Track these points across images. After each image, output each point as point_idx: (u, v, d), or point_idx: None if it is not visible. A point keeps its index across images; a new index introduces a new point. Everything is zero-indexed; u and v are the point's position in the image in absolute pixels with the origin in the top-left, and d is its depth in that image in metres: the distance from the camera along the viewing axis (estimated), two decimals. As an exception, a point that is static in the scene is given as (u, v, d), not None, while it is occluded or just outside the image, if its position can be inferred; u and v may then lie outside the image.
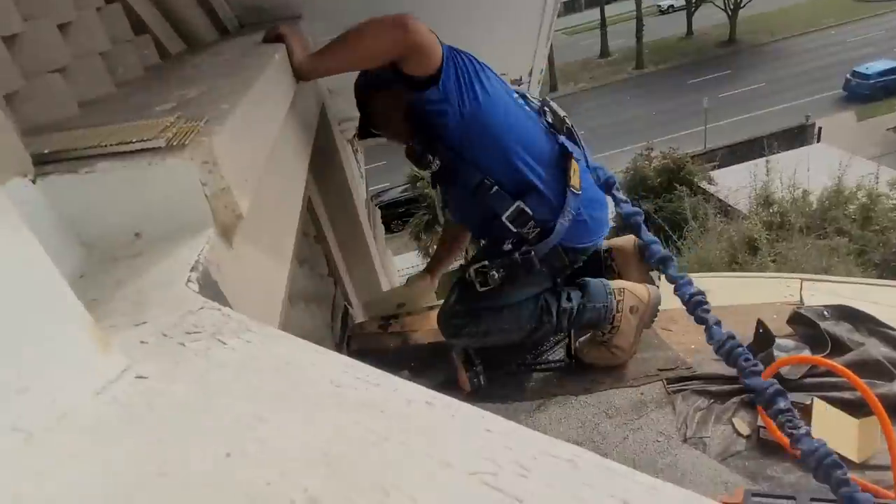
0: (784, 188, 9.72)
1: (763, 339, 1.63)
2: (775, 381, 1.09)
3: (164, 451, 0.33)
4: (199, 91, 0.95)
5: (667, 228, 10.60)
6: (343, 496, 0.29)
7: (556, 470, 0.32)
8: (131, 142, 0.67)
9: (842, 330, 1.66)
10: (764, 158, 10.46)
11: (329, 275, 2.28)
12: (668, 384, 1.64)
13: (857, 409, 1.42)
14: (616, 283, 1.70)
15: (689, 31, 26.74)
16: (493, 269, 1.53)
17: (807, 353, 1.62)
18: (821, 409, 1.45)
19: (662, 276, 1.77)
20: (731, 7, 24.62)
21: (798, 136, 16.11)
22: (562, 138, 1.55)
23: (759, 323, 1.64)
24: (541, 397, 1.69)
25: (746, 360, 1.13)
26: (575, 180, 1.52)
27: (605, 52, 26.92)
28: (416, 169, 1.84)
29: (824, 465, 0.94)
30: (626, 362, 1.72)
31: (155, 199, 0.69)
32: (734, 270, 8.15)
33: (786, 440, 1.39)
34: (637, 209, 1.39)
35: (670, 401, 1.59)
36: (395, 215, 14.48)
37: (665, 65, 24.78)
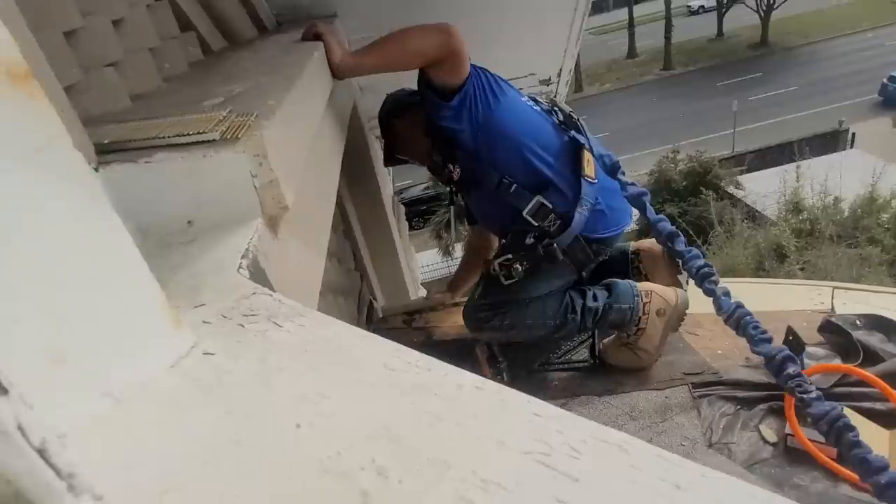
0: (815, 195, 9.50)
1: (793, 346, 1.61)
2: (785, 347, 1.09)
3: (237, 422, 0.35)
4: (244, 87, 0.99)
5: (691, 233, 10.45)
6: (408, 467, 0.31)
7: (607, 453, 0.33)
8: (188, 134, 0.70)
9: (874, 340, 1.64)
10: (794, 164, 10.24)
11: (355, 269, 2.32)
12: (693, 388, 1.63)
13: (889, 419, 1.40)
14: (644, 286, 1.70)
15: (720, 33, 26.26)
16: (517, 261, 1.57)
17: (838, 362, 1.60)
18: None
19: (691, 281, 1.79)
20: (764, 8, 24.09)
21: (831, 141, 15.71)
22: (572, 132, 1.60)
23: (789, 330, 1.63)
24: (564, 397, 1.70)
25: (755, 328, 1.15)
26: (589, 170, 1.57)
27: (632, 52, 26.60)
28: (440, 192, 1.94)
29: (836, 427, 0.94)
30: (651, 365, 1.72)
31: (208, 188, 0.72)
32: (761, 277, 8.01)
33: (814, 448, 1.37)
34: (643, 190, 1.47)
35: (695, 405, 1.59)
36: (416, 213, 14.54)
37: (694, 66, 24.37)
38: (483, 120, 1.53)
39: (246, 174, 0.71)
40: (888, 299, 2.00)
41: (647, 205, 1.46)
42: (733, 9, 25.52)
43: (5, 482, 0.25)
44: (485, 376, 1.53)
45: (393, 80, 1.87)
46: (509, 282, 1.59)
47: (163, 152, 0.71)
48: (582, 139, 1.59)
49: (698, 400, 1.60)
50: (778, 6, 24.00)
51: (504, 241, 1.66)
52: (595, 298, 1.67)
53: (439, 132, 1.58)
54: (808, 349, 1.64)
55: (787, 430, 1.45)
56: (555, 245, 1.55)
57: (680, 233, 1.40)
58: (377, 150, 2.51)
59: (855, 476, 1.31)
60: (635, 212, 1.64)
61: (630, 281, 1.72)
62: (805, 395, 1.05)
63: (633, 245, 1.90)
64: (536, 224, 1.55)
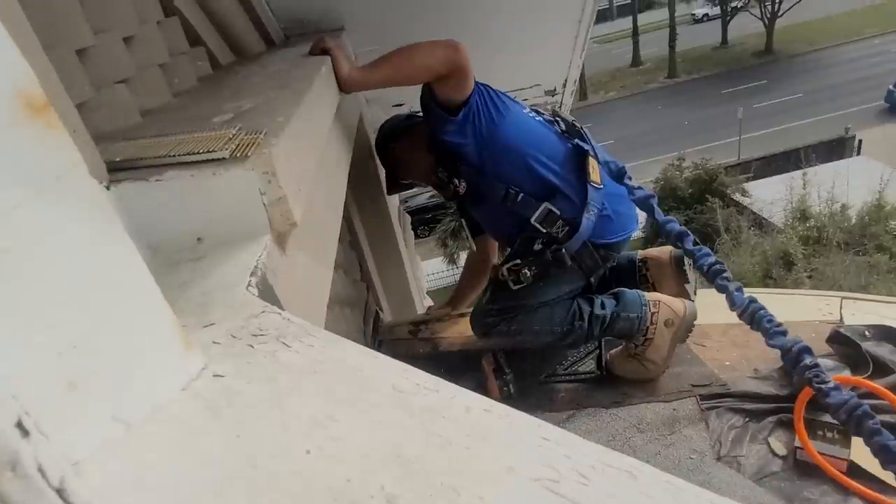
0: (822, 202, 9.47)
1: (801, 357, 1.60)
2: (800, 338, 1.09)
3: (248, 447, 0.36)
4: (253, 103, 1.00)
5: (697, 240, 10.39)
6: (418, 494, 0.31)
7: (616, 480, 0.33)
8: (198, 152, 0.71)
9: (884, 351, 1.62)
10: (801, 171, 10.22)
11: (362, 280, 2.32)
12: (701, 400, 1.62)
13: (899, 432, 1.38)
14: (652, 296, 1.70)
15: (724, 41, 26.29)
16: (526, 266, 1.58)
17: (847, 374, 1.59)
18: (861, 431, 1.41)
19: (699, 292, 1.78)
20: (768, 16, 24.11)
21: (837, 148, 15.66)
22: (575, 140, 1.62)
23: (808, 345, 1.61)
24: (570, 409, 1.69)
25: (769, 321, 1.15)
26: (595, 176, 1.59)
27: (636, 60, 26.66)
28: (444, 199, 1.97)
29: (855, 415, 0.93)
30: (659, 377, 1.71)
31: (217, 206, 0.73)
32: (768, 285, 7.97)
33: (824, 461, 1.36)
34: (650, 193, 1.49)
35: (703, 418, 1.58)
36: (421, 221, 14.55)
37: (698, 74, 24.40)
38: (487, 133, 1.55)
39: (255, 192, 0.72)
40: (897, 309, 1.98)
41: (655, 207, 1.47)
42: (737, 17, 25.55)
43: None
44: (491, 388, 1.54)
45: (399, 92, 1.88)
46: (518, 287, 1.60)
47: (173, 170, 0.72)
48: (586, 146, 1.61)
49: (706, 412, 1.59)
50: (782, 14, 24.01)
51: (512, 247, 1.68)
52: (603, 306, 1.67)
53: (443, 147, 1.60)
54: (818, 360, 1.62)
55: (797, 442, 1.44)
56: (563, 250, 1.56)
57: (689, 232, 1.41)
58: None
59: (866, 489, 1.29)
60: (642, 218, 1.65)
61: (639, 291, 1.72)
62: (823, 386, 1.04)
63: (640, 253, 1.90)
64: (545, 230, 1.57)
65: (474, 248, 1.98)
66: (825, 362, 1.65)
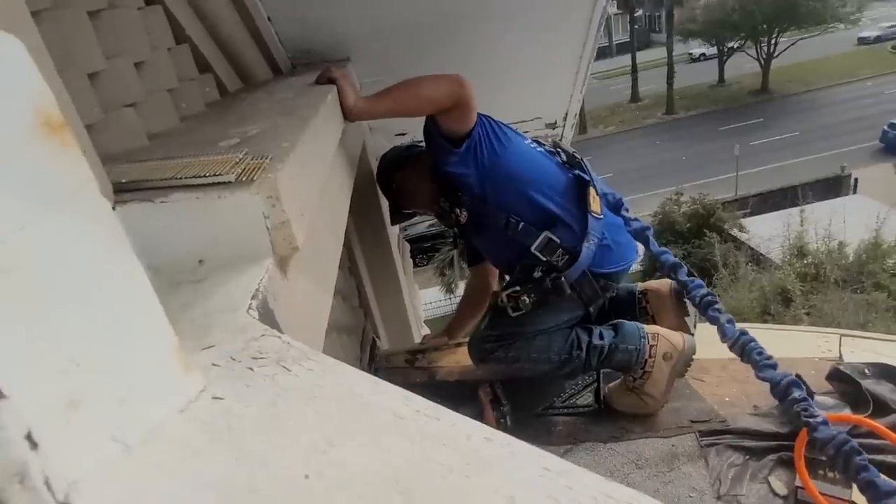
0: (819, 239, 9.52)
1: (801, 394, 1.59)
2: (790, 372, 1.08)
3: (246, 471, 0.35)
4: (259, 128, 1.01)
5: (695, 275, 10.40)
6: (418, 523, 0.31)
7: (618, 511, 0.33)
8: (205, 175, 0.72)
9: (884, 389, 1.61)
10: (798, 208, 10.31)
11: (360, 307, 2.31)
12: (700, 437, 1.60)
13: (901, 473, 1.36)
14: (651, 328, 1.69)
15: (721, 79, 26.86)
16: (525, 293, 1.59)
17: (847, 412, 1.57)
18: (863, 471, 1.39)
19: (698, 325, 1.78)
20: (764, 57, 24.71)
21: (833, 186, 15.83)
22: (576, 170, 1.65)
23: (797, 378, 1.60)
24: (568, 443, 1.67)
25: (759, 353, 1.15)
26: (595, 206, 1.61)
27: (635, 96, 27.18)
28: (445, 228, 1.99)
29: (843, 451, 0.92)
30: (657, 411, 1.69)
31: (221, 229, 0.73)
32: (766, 321, 7.94)
33: (825, 501, 1.34)
34: (646, 225, 1.52)
35: (703, 455, 1.55)
36: (420, 249, 14.57)
37: (696, 111, 24.85)
38: (489, 164, 1.58)
39: (259, 215, 0.73)
40: (897, 348, 1.98)
41: (651, 238, 1.50)
42: (734, 56, 26.17)
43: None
44: (487, 419, 1.53)
45: (402, 121, 1.91)
46: (517, 314, 1.60)
47: (179, 192, 0.72)
48: (586, 177, 1.63)
49: (706, 449, 1.56)
50: (778, 55, 24.61)
51: (512, 275, 1.68)
52: (601, 337, 1.66)
53: (446, 177, 1.63)
54: (817, 398, 1.61)
55: (798, 482, 1.42)
56: (563, 278, 1.57)
57: (683, 263, 1.42)
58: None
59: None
60: (641, 250, 1.66)
61: (638, 323, 1.71)
62: (811, 420, 1.03)
63: (640, 286, 1.90)
64: (545, 259, 1.58)
65: (468, 275, 1.98)
66: (826, 400, 1.63)
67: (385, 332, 2.58)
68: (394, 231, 2.81)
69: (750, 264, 9.87)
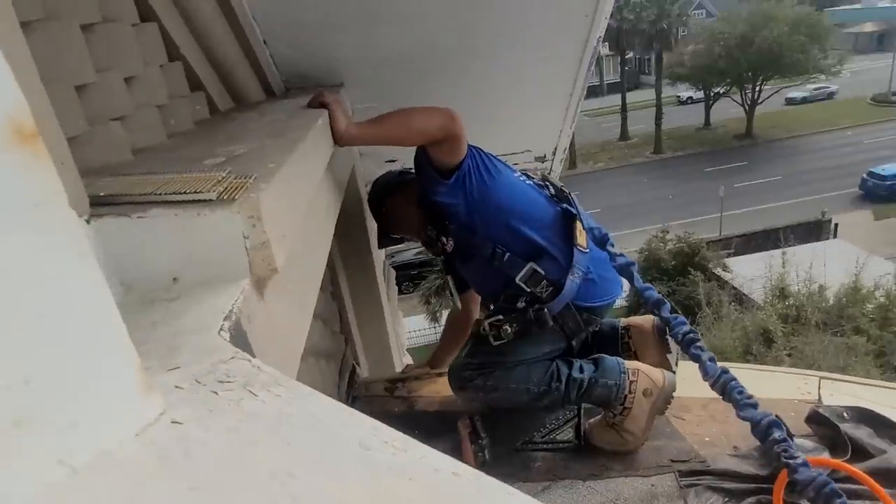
0: (800, 281, 9.65)
1: (780, 436, 1.58)
2: (770, 412, 1.09)
3: (200, 500, 0.33)
4: (247, 148, 1.01)
5: (679, 312, 10.46)
6: (375, 563, 0.29)
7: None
8: (185, 192, 0.71)
9: (862, 434, 1.61)
10: (780, 250, 10.48)
11: (341, 332, 2.28)
12: (680, 477, 1.58)
13: (879, 520, 1.35)
14: (631, 364, 1.69)
15: (707, 123, 27.59)
16: (507, 323, 1.59)
17: (826, 456, 1.57)
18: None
19: (680, 363, 1.78)
20: (749, 102, 25.48)
21: (814, 230, 16.18)
22: (564, 204, 1.66)
23: (777, 419, 1.60)
24: (547, 479, 1.63)
25: (740, 392, 1.17)
26: (581, 240, 1.62)
27: (625, 135, 27.79)
28: (432, 256, 2.00)
29: (823, 493, 0.91)
30: (637, 449, 1.67)
31: (198, 247, 0.72)
32: (748, 361, 7.97)
33: (804, 549, 1.32)
34: (631, 261, 1.56)
35: (682, 495, 1.53)
36: (406, 277, 14.53)
37: (682, 152, 25.47)
38: (478, 195, 1.59)
39: (238, 235, 0.72)
40: (876, 392, 1.98)
41: (635, 274, 1.53)
42: (720, 101, 26.96)
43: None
44: (465, 452, 1.50)
45: (392, 148, 1.93)
46: (498, 343, 1.60)
47: (157, 208, 0.71)
48: (574, 210, 1.64)
49: (685, 489, 1.54)
50: (762, 102, 25.40)
51: (496, 304, 1.68)
52: (581, 370, 1.65)
53: (434, 207, 1.63)
54: (797, 440, 1.60)
55: (777, 527, 1.40)
56: (545, 310, 1.57)
57: (666, 301, 1.46)
58: (372, 214, 2.54)
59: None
60: (627, 285, 1.67)
61: (619, 359, 1.71)
62: (791, 461, 1.04)
63: (623, 321, 1.90)
64: (529, 290, 1.58)
65: (458, 306, 1.97)
66: (805, 443, 1.63)
67: (366, 359, 2.54)
68: (379, 257, 2.80)
69: (733, 304, 9.96)
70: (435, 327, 12.87)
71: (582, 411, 1.76)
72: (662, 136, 25.93)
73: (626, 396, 1.63)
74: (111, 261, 0.72)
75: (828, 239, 15.55)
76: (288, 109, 1.47)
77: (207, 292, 0.71)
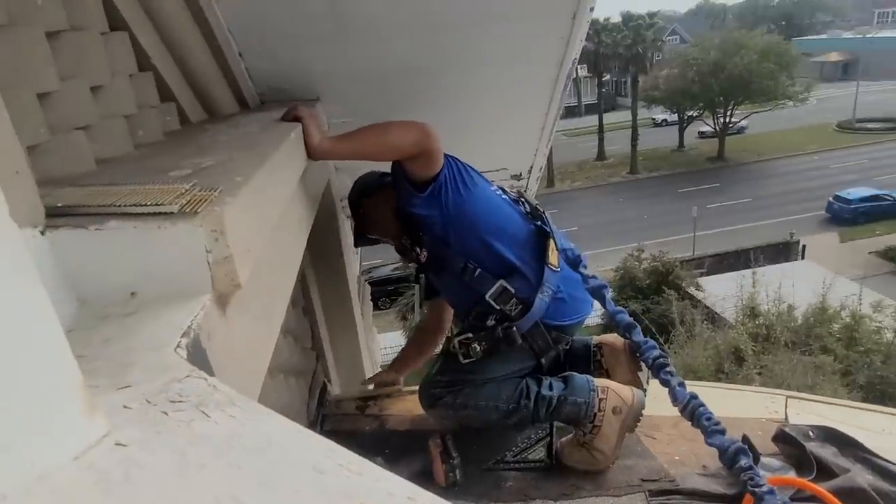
0: (770, 301, 9.87)
1: (748, 456, 1.60)
2: (737, 439, 1.11)
3: (135, 529, 0.32)
4: (215, 160, 0.99)
5: (654, 331, 10.61)
6: None
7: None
8: (146, 204, 0.69)
9: (827, 453, 1.63)
10: (750, 270, 10.70)
11: (312, 349, 2.24)
12: (650, 497, 1.58)
13: (843, 539, 1.37)
14: (601, 382, 1.69)
15: (681, 145, 28.31)
16: (477, 341, 1.59)
17: (793, 475, 1.58)
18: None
19: (651, 381, 1.79)
20: (721, 127, 26.26)
21: (783, 251, 16.61)
22: (538, 222, 1.67)
23: (744, 439, 1.62)
24: (518, 499, 1.62)
25: (708, 419, 1.20)
26: (553, 259, 1.63)
27: (601, 155, 28.34)
28: (405, 263, 1.98)
29: None
30: (608, 468, 1.67)
31: (158, 261, 0.70)
32: (720, 379, 8.08)
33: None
34: (604, 283, 1.58)
35: (652, 514, 1.53)
36: (383, 292, 14.45)
37: (657, 173, 26.08)
38: (453, 208, 1.58)
39: (200, 249, 0.70)
40: (841, 412, 2.02)
41: (607, 297, 1.55)
42: (693, 124, 27.71)
43: None
44: (436, 472, 1.47)
45: (369, 162, 1.92)
46: (467, 361, 1.60)
47: (115, 220, 0.69)
48: (547, 229, 1.65)
49: (655, 509, 1.54)
50: (733, 125, 26.19)
51: (466, 320, 1.68)
52: (550, 388, 1.66)
53: (409, 218, 1.63)
54: (763, 459, 1.62)
55: (744, 546, 1.40)
56: (514, 328, 1.57)
57: (637, 324, 1.48)
58: (347, 229, 2.53)
59: None
60: (598, 304, 1.68)
61: (588, 377, 1.71)
62: (757, 490, 1.05)
63: (595, 339, 1.91)
64: (498, 307, 1.58)
65: (424, 316, 1.96)
66: (772, 462, 1.65)
67: (338, 376, 2.50)
68: (353, 272, 2.78)
69: (705, 322, 10.12)
70: (411, 344, 12.76)
71: (554, 430, 1.76)
72: (638, 157, 26.53)
73: (595, 414, 1.63)
74: (66, 273, 0.70)
75: (796, 260, 15.98)
76: (261, 122, 1.46)
77: (166, 308, 0.69)
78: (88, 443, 0.39)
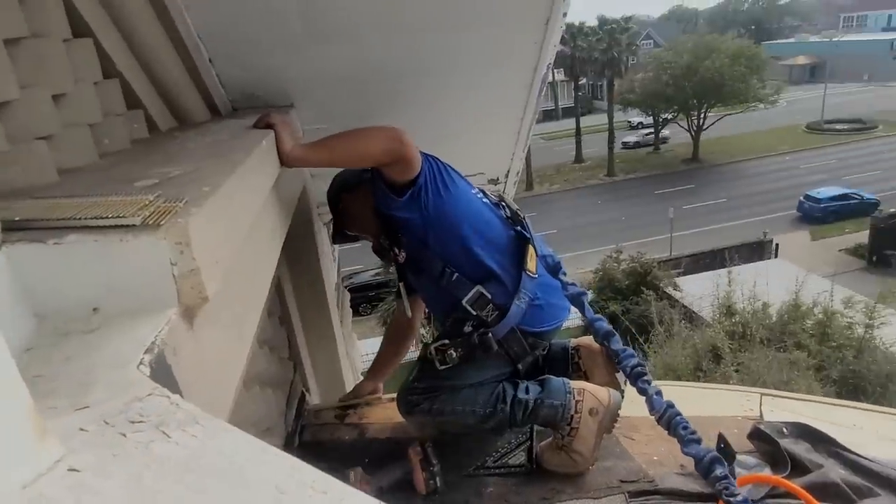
0: (745, 299, 10.05)
1: (724, 454, 1.62)
2: (713, 449, 1.13)
3: (84, 561, 0.30)
4: (182, 170, 0.97)
5: (634, 331, 10.74)
6: None
7: None
8: (107, 217, 0.67)
9: (800, 449, 1.66)
10: (726, 269, 10.90)
11: (290, 358, 2.21)
12: (629, 497, 1.59)
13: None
14: (576, 384, 1.70)
15: (657, 147, 28.75)
16: (453, 347, 1.58)
17: (767, 472, 1.61)
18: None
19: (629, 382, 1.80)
20: (695, 129, 26.77)
21: (757, 250, 16.97)
22: (518, 227, 1.67)
23: (721, 437, 1.64)
24: (499, 504, 1.62)
25: (685, 428, 1.21)
26: (531, 265, 1.62)
27: (579, 158, 28.67)
28: (383, 265, 1.96)
29: None
30: (587, 470, 1.67)
31: (120, 275, 0.68)
32: (699, 377, 8.21)
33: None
34: (583, 290, 1.58)
35: (632, 515, 1.54)
36: (364, 298, 14.37)
37: (634, 175, 26.48)
38: (433, 210, 1.56)
39: (165, 262, 0.68)
40: (814, 408, 2.07)
41: (586, 304, 1.55)
42: (667, 126, 28.19)
43: None
44: (417, 480, 1.47)
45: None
46: (443, 367, 1.59)
47: (75, 234, 0.67)
48: (528, 235, 1.65)
49: (634, 510, 1.55)
50: (707, 128, 26.73)
51: (443, 326, 1.67)
52: (527, 391, 1.66)
53: (388, 219, 1.61)
54: (739, 457, 1.64)
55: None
56: (490, 334, 1.57)
57: (616, 332, 1.49)
58: (324, 236, 2.50)
59: None
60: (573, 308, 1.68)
61: (564, 379, 1.72)
62: (732, 499, 1.07)
63: (573, 342, 1.92)
64: (475, 313, 1.58)
65: (409, 314, 1.93)
66: (747, 459, 1.67)
67: (316, 386, 2.47)
68: (331, 279, 2.75)
69: (683, 322, 10.26)
70: (393, 349, 12.70)
71: (534, 434, 1.76)
72: (615, 160, 26.88)
73: (572, 416, 1.64)
74: (23, 290, 0.68)
75: (770, 258, 16.32)
76: (232, 129, 1.44)
77: (130, 323, 0.67)
78: (39, 470, 0.38)
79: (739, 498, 1.03)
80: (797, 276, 10.24)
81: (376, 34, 1.67)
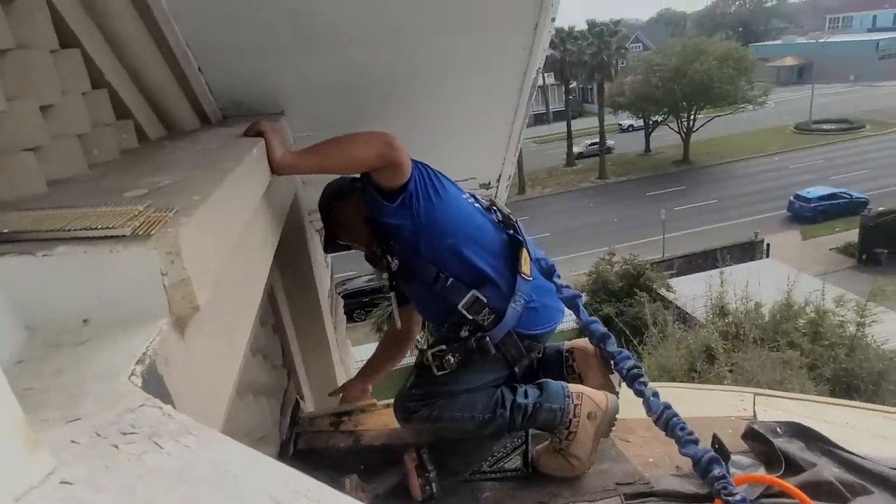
0: (737, 299, 10.10)
1: (719, 454, 1.62)
2: (710, 449, 1.14)
3: (76, 575, 0.30)
4: (172, 179, 0.97)
5: (628, 333, 10.76)
6: None
7: None
8: (96, 228, 0.67)
9: (794, 448, 1.68)
10: (718, 270, 10.95)
11: (283, 366, 2.20)
12: (625, 500, 1.59)
13: (812, 533, 1.39)
14: (575, 388, 1.70)
15: (647, 149, 28.98)
16: (450, 353, 1.58)
17: (762, 471, 1.62)
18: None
19: (624, 384, 1.81)
20: (685, 130, 26.98)
21: (748, 250, 17.09)
22: (511, 231, 1.67)
23: (715, 438, 1.64)
24: (495, 510, 1.61)
25: (682, 429, 1.22)
26: (525, 268, 1.63)
27: (570, 161, 28.76)
28: (376, 271, 1.96)
29: None
30: (584, 474, 1.67)
31: (111, 286, 0.68)
32: (693, 378, 8.23)
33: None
34: (577, 293, 1.58)
35: (628, 518, 1.54)
36: (358, 304, 14.33)
37: (625, 177, 26.64)
38: (424, 216, 1.56)
39: (155, 272, 0.68)
40: (807, 407, 2.08)
41: (581, 307, 1.55)
42: (658, 129, 28.40)
43: None
44: (412, 486, 1.47)
45: (337, 176, 1.90)
46: (441, 373, 1.59)
47: (65, 245, 0.67)
48: (520, 238, 1.65)
49: (631, 512, 1.55)
50: (697, 129, 26.95)
51: (440, 331, 1.66)
52: (526, 395, 1.66)
53: (379, 226, 1.61)
54: (734, 457, 1.65)
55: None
56: (487, 338, 1.56)
57: (611, 335, 1.49)
58: (316, 243, 2.50)
59: None
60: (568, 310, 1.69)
61: (563, 383, 1.72)
62: (730, 499, 1.07)
63: (567, 344, 1.92)
64: (471, 318, 1.57)
65: (399, 326, 1.93)
66: (742, 459, 1.68)
67: (311, 393, 2.46)
68: (324, 286, 2.74)
69: (677, 323, 10.30)
70: (388, 355, 12.66)
71: (530, 438, 1.76)
72: (606, 162, 27.02)
73: (571, 420, 1.64)
74: (13, 302, 0.67)
75: (761, 258, 16.45)
76: (222, 138, 1.44)
77: (121, 334, 0.67)
78: (30, 483, 0.37)
79: (738, 497, 1.03)
80: (789, 276, 10.30)
81: (366, 41, 1.68)
